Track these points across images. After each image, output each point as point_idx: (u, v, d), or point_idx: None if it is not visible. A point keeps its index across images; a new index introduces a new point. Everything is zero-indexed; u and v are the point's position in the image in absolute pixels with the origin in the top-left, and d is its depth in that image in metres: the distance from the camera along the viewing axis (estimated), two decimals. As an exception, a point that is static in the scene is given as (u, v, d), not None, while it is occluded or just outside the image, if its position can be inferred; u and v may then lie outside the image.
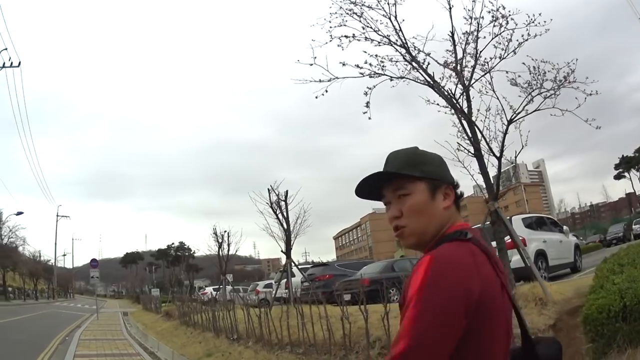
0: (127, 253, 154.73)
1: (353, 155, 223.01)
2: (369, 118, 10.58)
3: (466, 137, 9.79)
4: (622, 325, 5.72)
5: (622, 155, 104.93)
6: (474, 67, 9.87)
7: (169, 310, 29.42)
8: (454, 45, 9.99)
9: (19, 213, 64.60)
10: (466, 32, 9.87)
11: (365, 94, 10.40)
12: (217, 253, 25.68)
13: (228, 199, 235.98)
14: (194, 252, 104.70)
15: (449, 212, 1.89)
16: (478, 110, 9.85)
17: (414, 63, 9.98)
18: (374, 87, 10.35)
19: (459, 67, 9.87)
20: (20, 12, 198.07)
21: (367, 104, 10.45)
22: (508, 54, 9.78)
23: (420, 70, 10.03)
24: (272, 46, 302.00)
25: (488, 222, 9.94)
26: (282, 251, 17.64)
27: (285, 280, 19.96)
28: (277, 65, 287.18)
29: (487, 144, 9.70)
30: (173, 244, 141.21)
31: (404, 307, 1.66)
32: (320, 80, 10.30)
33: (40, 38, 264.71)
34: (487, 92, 9.93)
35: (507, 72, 9.89)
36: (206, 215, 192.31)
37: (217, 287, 42.92)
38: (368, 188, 1.97)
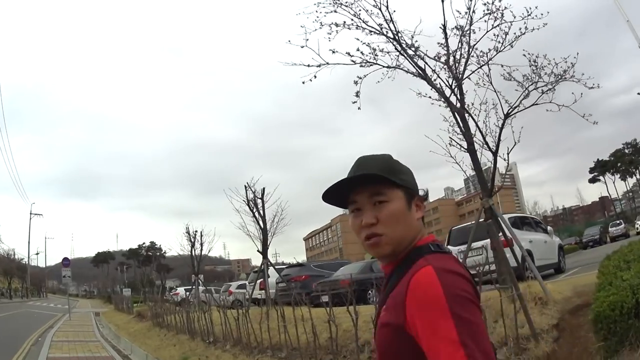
0: (98, 252, 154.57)
1: (324, 158, 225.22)
2: (359, 108, 10.27)
3: (459, 132, 9.47)
4: (635, 322, 5.56)
5: (597, 159, 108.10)
6: (466, 60, 9.52)
7: (141, 311, 28.86)
8: (446, 38, 9.57)
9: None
10: (458, 26, 9.48)
11: (355, 83, 10.06)
12: (189, 253, 25.14)
13: (200, 199, 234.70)
14: (165, 252, 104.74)
15: (420, 224, 1.84)
16: (472, 104, 9.58)
17: (404, 53, 9.60)
18: (365, 76, 9.99)
19: (451, 60, 9.52)
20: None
21: (357, 94, 10.06)
22: (505, 47, 9.49)
23: (411, 62, 9.62)
24: (248, 45, 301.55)
25: (481, 219, 9.48)
26: (258, 251, 17.12)
27: (261, 280, 19.65)
28: (251, 66, 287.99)
29: (484, 137, 9.38)
30: (144, 243, 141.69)
31: (418, 324, 1.52)
32: (309, 65, 9.95)
33: (16, 35, 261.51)
34: (484, 84, 9.67)
35: (502, 65, 9.69)
36: (178, 216, 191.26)
37: (189, 287, 42.65)
38: (336, 192, 1.84)
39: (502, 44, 9.44)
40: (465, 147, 9.37)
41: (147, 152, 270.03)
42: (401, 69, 9.82)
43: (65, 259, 35.96)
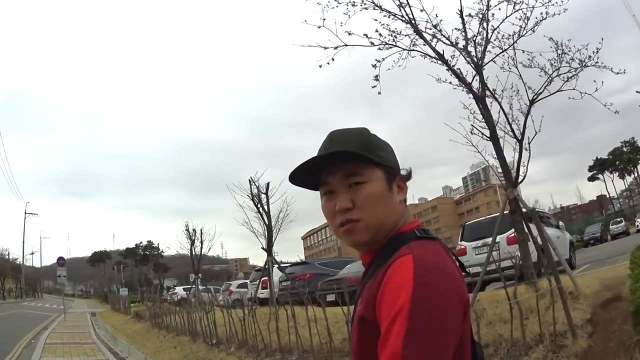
0: (95, 252, 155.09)
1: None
2: (379, 93, 10.16)
3: (480, 119, 9.24)
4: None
5: (597, 158, 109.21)
6: (485, 46, 9.26)
7: (139, 311, 28.01)
8: (463, 23, 9.30)
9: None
10: (477, 10, 9.29)
11: (374, 66, 9.82)
12: (189, 251, 24.63)
13: (198, 199, 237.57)
14: (162, 252, 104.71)
15: (402, 207, 1.65)
16: (494, 90, 9.24)
17: (422, 37, 9.35)
18: (383, 59, 9.77)
19: (470, 46, 9.28)
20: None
21: (377, 77, 9.89)
22: (526, 32, 9.23)
23: (429, 46, 9.39)
24: (247, 46, 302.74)
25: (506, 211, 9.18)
26: (262, 248, 16.58)
27: (264, 279, 19.18)
28: (250, 66, 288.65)
29: (510, 124, 9.11)
30: (141, 242, 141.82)
31: (381, 319, 1.35)
32: (325, 47, 9.76)
33: (12, 35, 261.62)
34: (509, 68, 9.42)
35: (523, 51, 9.41)
36: (176, 215, 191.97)
37: (187, 286, 42.10)
38: (306, 172, 1.62)
39: (524, 28, 9.22)
40: (488, 135, 9.16)
41: (144, 151, 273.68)
42: (420, 52, 9.62)
43: (61, 258, 35.33)
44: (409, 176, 1.70)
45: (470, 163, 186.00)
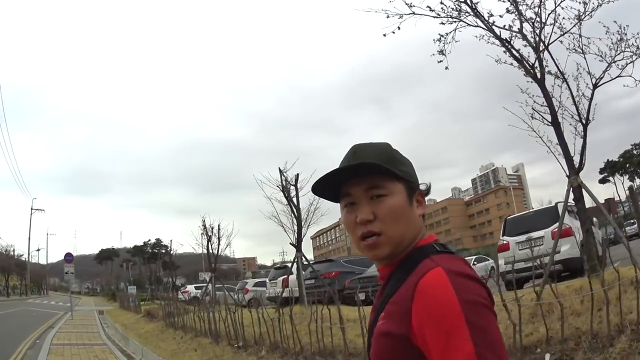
0: (102, 249, 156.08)
1: (329, 157, 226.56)
2: (446, 68, 10.22)
3: (541, 103, 9.04)
4: None
5: (607, 160, 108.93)
6: (541, 28, 9.22)
7: (150, 310, 26.51)
8: (516, 4, 9.31)
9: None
10: None
11: (439, 40, 9.98)
12: (205, 248, 23.15)
13: (205, 197, 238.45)
14: (175, 250, 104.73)
15: (421, 221, 1.65)
16: (556, 72, 9.11)
17: (478, 18, 9.48)
18: (446, 34, 9.93)
19: (525, 29, 9.32)
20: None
21: (442, 52, 9.96)
22: (586, 16, 9.10)
23: (484, 26, 9.51)
24: (254, 45, 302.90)
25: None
26: (290, 244, 15.49)
27: (284, 277, 18.78)
28: (256, 66, 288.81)
29: (577, 107, 8.93)
30: (149, 240, 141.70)
31: (427, 334, 1.33)
32: (388, 16, 9.71)
33: (19, 33, 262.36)
34: (575, 50, 9.20)
35: (580, 35, 9.19)
36: (183, 213, 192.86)
37: (199, 285, 41.10)
38: (328, 183, 1.60)
39: (584, 12, 9.08)
40: (549, 119, 8.97)
41: (151, 150, 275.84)
42: (482, 27, 9.57)
43: (68, 254, 33.83)
44: (427, 191, 1.71)
45: (479, 165, 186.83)
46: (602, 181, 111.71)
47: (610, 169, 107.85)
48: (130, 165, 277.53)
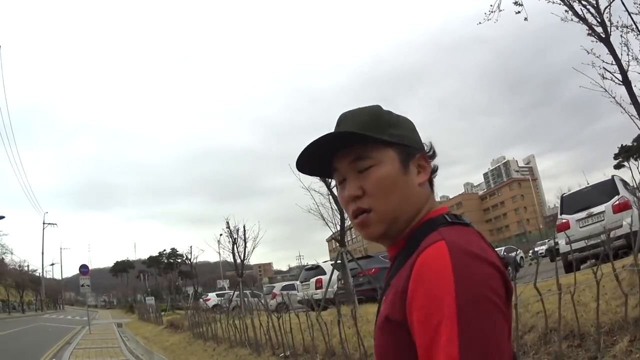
0: (117, 262, 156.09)
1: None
2: (525, 19, 10.79)
3: (611, 62, 8.92)
4: None
5: (621, 145, 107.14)
6: None
7: (173, 320, 24.89)
8: None
9: (0, 217, 59.21)
10: None
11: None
12: (231, 252, 21.67)
13: (216, 205, 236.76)
14: (191, 257, 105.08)
15: (424, 191, 1.41)
16: (623, 24, 9.08)
17: None
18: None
19: None
20: (2, 23, 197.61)
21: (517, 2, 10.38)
22: None
23: None
24: (259, 52, 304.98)
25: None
26: (333, 238, 14.16)
27: (317, 278, 18.28)
28: (263, 72, 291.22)
29: None
30: (164, 250, 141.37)
31: (416, 320, 1.12)
32: None
33: (25, 48, 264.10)
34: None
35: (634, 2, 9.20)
36: (195, 223, 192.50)
37: (221, 292, 40.10)
38: (314, 159, 1.42)
39: None
40: (619, 78, 8.81)
41: (161, 161, 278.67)
42: None
43: (83, 266, 32.19)
44: (432, 153, 1.47)
45: (490, 159, 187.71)
46: (617, 167, 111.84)
47: (624, 154, 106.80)
48: (141, 176, 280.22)
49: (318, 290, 17.29)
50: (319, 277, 20.16)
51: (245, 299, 19.94)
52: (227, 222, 21.39)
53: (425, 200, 1.38)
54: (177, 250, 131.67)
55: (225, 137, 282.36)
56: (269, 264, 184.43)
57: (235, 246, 21.09)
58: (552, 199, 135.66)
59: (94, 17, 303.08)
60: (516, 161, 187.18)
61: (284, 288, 27.89)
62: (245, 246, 21.09)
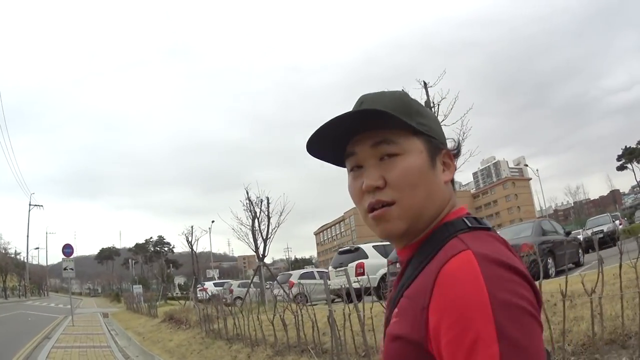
0: (102, 248, 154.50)
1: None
2: None
3: None
4: None
5: (625, 147, 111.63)
6: None
7: (172, 313, 20.50)
8: None
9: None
10: None
11: None
12: (251, 228, 18.11)
13: (206, 197, 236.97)
14: (173, 247, 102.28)
15: (449, 189, 1.24)
16: None
17: None
18: None
19: None
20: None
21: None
22: None
23: None
24: (252, 46, 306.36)
25: None
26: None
27: (358, 262, 16.39)
28: (255, 67, 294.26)
29: None
30: (151, 238, 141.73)
31: (446, 342, 0.97)
32: None
33: (19, 37, 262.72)
34: None
35: None
36: (183, 214, 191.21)
37: (219, 282, 39.15)
38: (328, 141, 1.21)
39: None
40: None
41: (151, 151, 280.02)
42: None
43: (67, 245, 27.45)
44: (458, 151, 1.31)
45: (480, 159, 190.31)
46: (620, 168, 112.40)
47: (628, 156, 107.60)
48: (131, 167, 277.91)
49: (359, 278, 13.97)
50: (360, 261, 16.95)
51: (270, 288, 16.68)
52: (247, 192, 17.87)
53: (448, 200, 1.21)
54: (164, 238, 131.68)
55: (217, 131, 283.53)
56: (253, 257, 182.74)
57: (257, 221, 17.40)
58: (537, 201, 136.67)
59: (88, 7, 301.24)
60: (507, 162, 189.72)
61: (302, 276, 24.24)
62: (268, 222, 17.54)
